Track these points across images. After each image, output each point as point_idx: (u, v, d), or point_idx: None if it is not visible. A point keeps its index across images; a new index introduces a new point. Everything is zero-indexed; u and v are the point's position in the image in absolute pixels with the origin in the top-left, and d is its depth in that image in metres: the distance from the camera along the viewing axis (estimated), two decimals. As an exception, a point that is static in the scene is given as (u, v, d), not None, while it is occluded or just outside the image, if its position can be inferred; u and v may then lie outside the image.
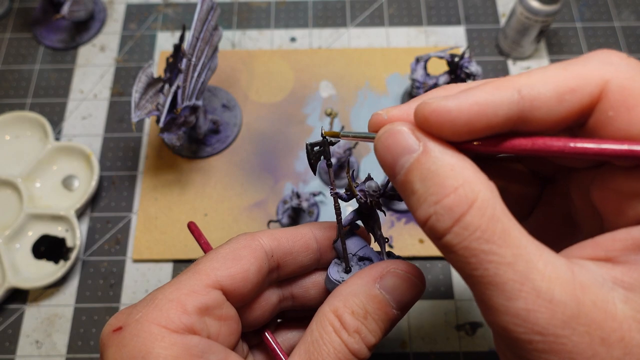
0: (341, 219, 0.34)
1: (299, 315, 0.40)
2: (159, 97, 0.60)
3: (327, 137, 0.32)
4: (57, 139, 0.73)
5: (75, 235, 0.65)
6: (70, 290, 0.65)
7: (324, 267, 0.37)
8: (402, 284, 0.31)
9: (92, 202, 0.69)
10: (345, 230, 0.36)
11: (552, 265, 0.22)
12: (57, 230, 0.67)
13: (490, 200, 0.23)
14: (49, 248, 0.66)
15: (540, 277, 0.21)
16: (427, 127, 0.25)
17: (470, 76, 0.62)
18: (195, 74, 0.61)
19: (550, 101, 0.24)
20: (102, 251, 0.67)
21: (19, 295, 0.64)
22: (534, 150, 0.24)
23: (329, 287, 0.35)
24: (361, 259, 0.35)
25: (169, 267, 0.66)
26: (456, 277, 0.64)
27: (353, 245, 0.35)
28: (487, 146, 0.25)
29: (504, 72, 0.76)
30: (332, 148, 0.66)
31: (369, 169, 0.70)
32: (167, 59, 0.61)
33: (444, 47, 0.77)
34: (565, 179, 0.32)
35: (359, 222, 0.36)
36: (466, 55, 0.63)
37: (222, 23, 0.81)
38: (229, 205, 0.68)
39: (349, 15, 0.81)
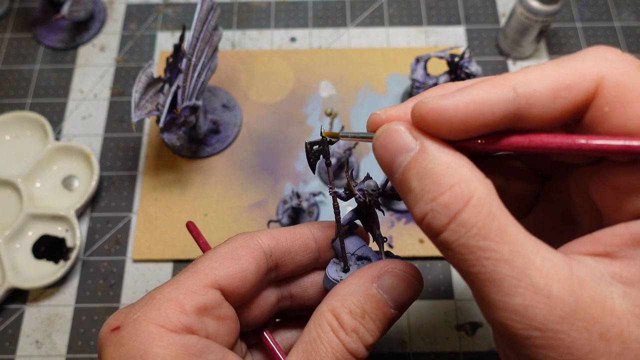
0: (340, 218, 0.34)
1: (297, 315, 0.40)
2: (159, 97, 0.60)
3: (325, 137, 0.32)
4: (57, 139, 0.73)
5: (75, 235, 0.65)
6: (70, 290, 0.65)
7: (323, 267, 0.37)
8: (400, 284, 0.31)
9: (92, 202, 0.69)
10: (344, 229, 0.36)
11: (550, 261, 0.22)
12: (57, 230, 0.67)
13: (487, 197, 0.23)
14: (49, 248, 0.66)
15: (538, 273, 0.21)
16: (424, 126, 0.25)
17: (470, 76, 0.62)
18: (195, 74, 0.61)
19: (546, 98, 0.24)
20: (102, 251, 0.67)
21: (19, 295, 0.64)
22: (531, 147, 0.24)
23: (327, 287, 0.35)
24: (360, 258, 0.35)
25: (169, 267, 0.66)
26: (456, 277, 0.64)
27: (352, 244, 0.35)
28: (484, 144, 0.26)
29: (504, 72, 0.75)
30: (331, 148, 0.66)
31: (369, 168, 0.70)
32: (167, 59, 0.61)
33: (444, 47, 0.77)
34: (564, 175, 0.32)
35: (358, 222, 0.36)
36: (466, 55, 0.63)
37: (222, 23, 0.81)
38: (229, 205, 0.68)
39: (349, 15, 0.81)
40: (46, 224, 0.67)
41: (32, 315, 0.63)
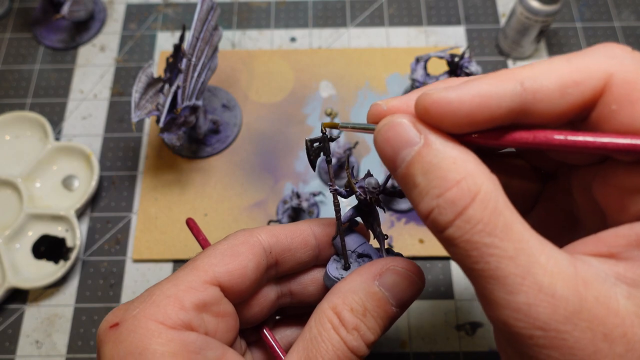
0: (340, 215, 0.34)
1: (297, 312, 0.40)
2: (159, 97, 0.60)
3: (326, 134, 0.32)
4: (57, 139, 0.73)
5: (75, 235, 0.65)
6: (70, 290, 0.65)
7: (323, 264, 0.37)
8: (401, 282, 0.31)
9: (92, 202, 0.69)
10: (344, 226, 0.36)
11: (555, 260, 0.22)
12: (57, 230, 0.67)
13: (493, 193, 0.23)
14: (49, 248, 0.66)
15: (542, 271, 0.21)
16: (428, 119, 0.25)
17: (470, 76, 0.62)
18: (195, 74, 0.61)
19: (553, 94, 0.24)
20: (102, 251, 0.66)
21: (19, 295, 0.64)
22: (535, 143, 0.24)
23: (328, 284, 0.34)
24: (360, 255, 0.35)
25: (168, 267, 0.66)
26: (456, 277, 0.64)
27: (352, 242, 0.35)
28: (488, 139, 0.25)
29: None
30: (331, 147, 0.66)
31: (369, 168, 0.70)
32: (167, 59, 0.61)
33: (444, 47, 0.77)
34: (567, 175, 0.32)
35: (358, 219, 0.36)
36: (466, 55, 0.63)
37: (222, 23, 0.81)
38: (229, 205, 0.68)
39: (349, 15, 0.81)
40: (46, 224, 0.67)
41: (32, 315, 0.63)
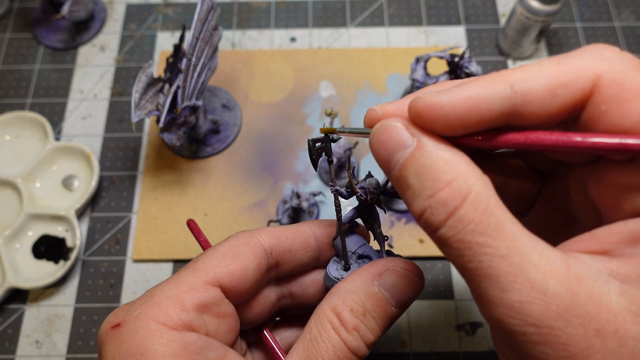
0: (341, 216, 0.34)
1: (297, 314, 0.40)
2: (159, 97, 0.60)
3: (327, 134, 0.32)
4: (57, 139, 0.73)
5: (75, 235, 0.65)
6: (70, 290, 0.65)
7: (323, 265, 0.37)
8: (401, 282, 0.31)
9: (92, 202, 0.69)
10: (345, 227, 0.36)
11: (547, 258, 0.22)
12: (57, 230, 0.67)
13: (484, 193, 0.23)
14: (49, 248, 0.66)
15: (535, 269, 0.22)
16: (421, 122, 0.25)
17: (470, 76, 0.62)
18: (195, 74, 0.61)
19: (543, 95, 0.24)
20: (102, 251, 0.67)
21: (19, 295, 0.64)
22: (527, 144, 0.25)
23: (328, 285, 0.35)
24: (360, 257, 0.35)
25: (169, 267, 0.66)
26: (456, 277, 0.64)
27: (352, 243, 0.35)
28: (481, 141, 0.26)
29: (504, 72, 0.75)
30: (332, 147, 0.66)
31: (369, 168, 0.70)
32: (167, 59, 0.61)
33: (444, 47, 0.77)
34: (564, 174, 0.32)
35: (359, 220, 0.36)
36: (466, 55, 0.63)
37: (222, 23, 0.81)
38: (229, 205, 0.68)
39: (349, 15, 0.81)
40: (46, 224, 0.67)
41: (32, 315, 0.63)
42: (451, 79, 0.65)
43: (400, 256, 0.34)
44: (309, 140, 0.32)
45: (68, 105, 0.76)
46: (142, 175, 0.71)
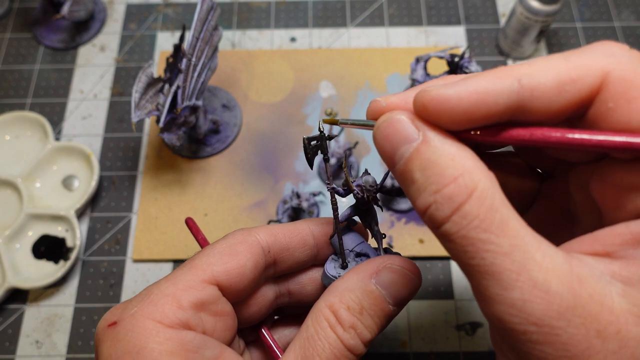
0: (338, 214, 0.34)
1: (295, 312, 0.40)
2: (159, 97, 0.60)
3: (324, 132, 0.32)
4: (57, 139, 0.73)
5: (75, 235, 0.65)
6: (70, 290, 0.65)
7: (321, 264, 0.37)
8: (398, 280, 0.31)
9: (92, 202, 0.69)
10: (342, 225, 0.36)
11: (550, 257, 0.22)
12: (57, 230, 0.67)
13: (490, 190, 0.23)
14: (49, 248, 0.66)
15: (537, 268, 0.21)
16: (426, 116, 0.25)
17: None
18: (195, 74, 0.61)
19: (550, 91, 0.24)
20: (102, 251, 0.67)
21: (19, 295, 0.64)
22: (532, 140, 0.24)
23: (326, 283, 0.35)
24: (358, 254, 0.35)
25: (168, 267, 0.66)
26: (456, 277, 0.64)
27: (350, 241, 0.35)
28: (486, 136, 0.25)
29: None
30: (332, 147, 0.66)
31: (369, 168, 0.70)
32: (167, 59, 0.61)
33: (444, 47, 0.77)
34: (564, 173, 0.32)
35: (357, 218, 0.36)
36: (466, 55, 0.63)
37: (222, 23, 0.81)
38: (229, 205, 0.68)
39: (349, 15, 0.81)
40: (46, 224, 0.67)
41: (32, 315, 0.63)
42: (451, 78, 0.65)
43: (398, 254, 0.34)
44: (304, 138, 0.32)
45: (68, 105, 0.76)
46: (142, 175, 0.71)
